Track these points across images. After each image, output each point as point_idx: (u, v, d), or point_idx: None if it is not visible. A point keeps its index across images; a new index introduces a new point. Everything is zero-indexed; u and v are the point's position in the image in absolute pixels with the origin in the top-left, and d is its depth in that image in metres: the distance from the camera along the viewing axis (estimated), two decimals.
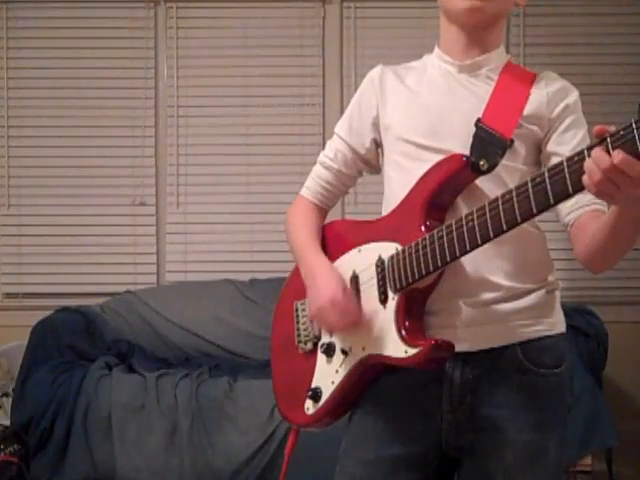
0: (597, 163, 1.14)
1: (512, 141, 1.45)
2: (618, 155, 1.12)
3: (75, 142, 4.17)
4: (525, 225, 1.47)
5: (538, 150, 1.51)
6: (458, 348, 1.45)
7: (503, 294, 1.47)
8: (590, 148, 1.17)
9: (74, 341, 3.56)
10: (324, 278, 1.55)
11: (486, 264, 1.46)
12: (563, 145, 1.47)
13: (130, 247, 4.18)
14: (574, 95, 1.52)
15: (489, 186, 1.42)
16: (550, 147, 1.48)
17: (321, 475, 2.31)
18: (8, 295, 4.20)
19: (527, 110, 1.48)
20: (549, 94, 1.50)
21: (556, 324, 1.52)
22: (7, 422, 3.37)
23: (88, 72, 4.17)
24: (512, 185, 1.30)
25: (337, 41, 4.21)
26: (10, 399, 3.52)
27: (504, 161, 1.45)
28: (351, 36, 4.19)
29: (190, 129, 4.20)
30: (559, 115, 1.49)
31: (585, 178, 1.17)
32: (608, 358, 3.41)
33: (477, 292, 1.46)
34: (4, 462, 3.06)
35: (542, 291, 1.50)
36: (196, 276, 4.13)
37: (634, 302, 4.05)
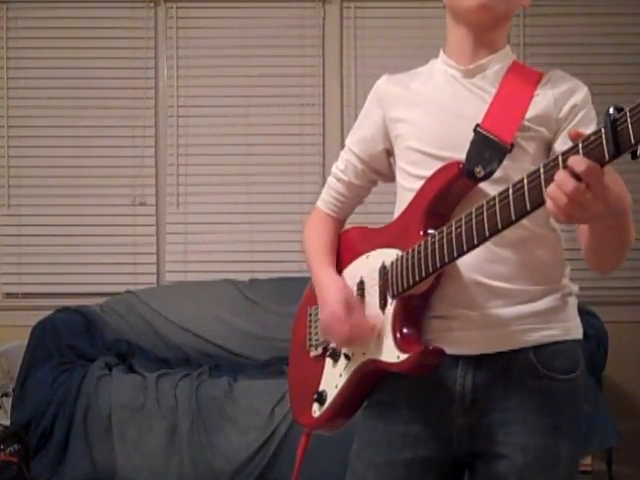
0: (561, 187, 1.14)
1: (512, 145, 1.43)
2: (581, 164, 1.12)
3: (75, 142, 4.17)
4: (535, 227, 1.46)
5: (548, 150, 1.49)
6: (464, 352, 1.45)
7: (510, 298, 1.46)
8: (564, 154, 1.17)
9: (74, 341, 3.56)
10: (326, 294, 1.58)
11: (490, 268, 1.46)
12: (569, 145, 1.46)
13: (130, 247, 4.18)
14: (582, 93, 1.50)
15: (499, 189, 1.42)
16: (558, 147, 1.46)
17: (329, 475, 2.31)
18: (8, 295, 4.20)
19: (533, 111, 1.47)
20: (555, 95, 1.48)
21: (570, 329, 1.52)
22: (7, 422, 3.37)
23: (88, 72, 4.17)
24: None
25: (337, 41, 4.21)
26: (10, 399, 3.52)
27: (513, 163, 1.44)
28: (351, 36, 4.20)
29: (190, 129, 4.21)
30: (567, 115, 1.47)
31: (550, 206, 1.16)
32: (608, 358, 3.42)
33: (481, 297, 1.46)
34: (4, 462, 3.06)
35: (556, 295, 1.49)
36: (196, 276, 4.13)
37: (634, 302, 4.05)
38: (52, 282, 4.16)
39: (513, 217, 1.25)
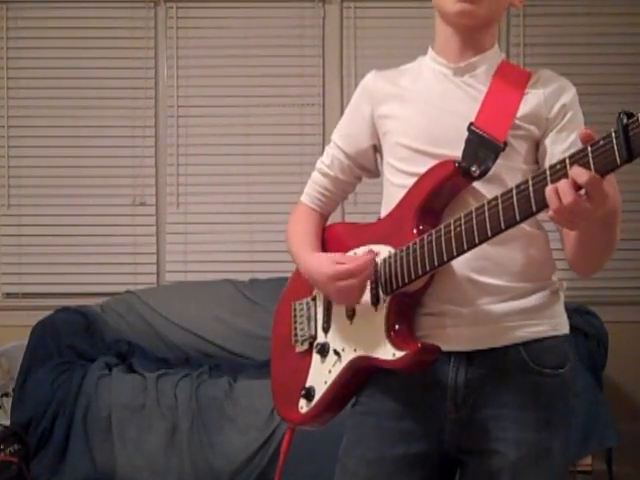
0: (561, 198, 1.18)
1: (506, 144, 1.44)
2: (583, 175, 1.15)
3: (75, 142, 4.17)
4: (524, 226, 1.46)
5: (537, 149, 1.51)
6: (455, 348, 1.46)
7: (500, 295, 1.47)
8: (572, 157, 1.18)
9: (74, 341, 3.56)
10: (316, 265, 1.57)
11: (481, 265, 1.46)
12: (557, 144, 1.47)
13: (130, 247, 4.18)
14: (570, 93, 1.51)
15: (490, 188, 1.42)
16: (545, 145, 1.48)
17: (319, 474, 2.31)
18: (8, 295, 4.20)
19: (524, 110, 1.48)
20: (545, 93, 1.49)
21: (558, 325, 1.52)
22: (7, 422, 3.37)
23: (88, 72, 4.17)
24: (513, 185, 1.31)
25: (337, 41, 4.21)
26: (10, 399, 3.52)
27: (505, 161, 1.45)
28: (351, 36, 4.20)
29: (190, 129, 4.20)
30: (556, 114, 1.49)
31: (551, 214, 1.21)
32: (608, 358, 3.42)
33: (471, 293, 1.46)
34: (4, 462, 3.06)
35: (545, 292, 1.50)
36: (196, 276, 4.13)
37: (634, 302, 4.05)
38: (52, 282, 4.16)
39: (517, 217, 1.27)
